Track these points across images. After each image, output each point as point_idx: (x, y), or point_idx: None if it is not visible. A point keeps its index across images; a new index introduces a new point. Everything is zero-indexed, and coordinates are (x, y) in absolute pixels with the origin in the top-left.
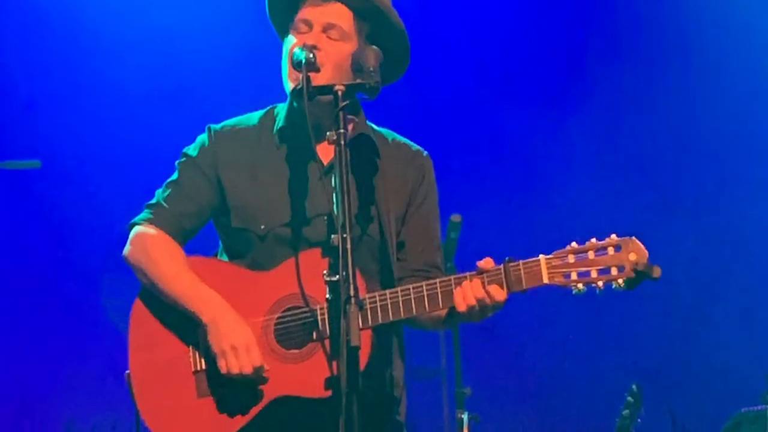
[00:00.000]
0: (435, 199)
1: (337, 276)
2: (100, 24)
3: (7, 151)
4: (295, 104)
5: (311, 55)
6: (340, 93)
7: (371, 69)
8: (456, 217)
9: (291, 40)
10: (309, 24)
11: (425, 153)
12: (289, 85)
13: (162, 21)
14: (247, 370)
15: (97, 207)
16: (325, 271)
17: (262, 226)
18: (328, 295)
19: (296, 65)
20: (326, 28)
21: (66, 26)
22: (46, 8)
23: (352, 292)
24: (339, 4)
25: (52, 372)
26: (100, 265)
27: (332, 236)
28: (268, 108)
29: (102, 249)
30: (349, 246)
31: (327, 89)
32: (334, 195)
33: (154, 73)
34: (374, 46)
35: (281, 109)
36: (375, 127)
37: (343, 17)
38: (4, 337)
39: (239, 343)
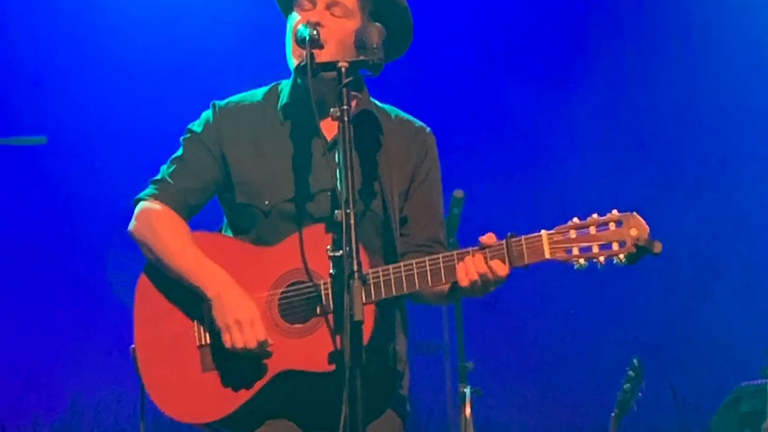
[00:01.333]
0: (438, 174)
1: (341, 251)
2: (107, 0)
3: (14, 128)
4: (299, 81)
5: (315, 32)
6: (343, 69)
7: (374, 46)
8: (458, 193)
9: (295, 18)
10: (313, 1)
11: (428, 129)
12: (293, 62)
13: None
14: (251, 344)
15: (103, 183)
16: (328, 247)
17: (266, 202)
18: (331, 270)
19: (300, 42)
20: (330, 5)
21: (72, 3)
22: None
23: (355, 267)
24: None
25: (58, 346)
26: (106, 240)
27: (336, 212)
28: (272, 84)
29: (107, 224)
30: (352, 221)
31: (330, 66)
32: (337, 171)
33: (160, 49)
34: (377, 23)
35: (285, 85)
36: (378, 103)
37: None
38: (11, 311)
39: (244, 318)
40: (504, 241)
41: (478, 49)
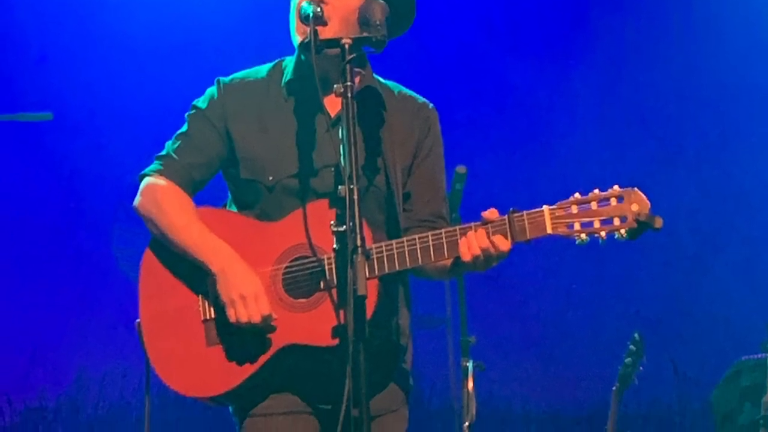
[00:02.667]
0: (440, 150)
1: (344, 226)
2: None
3: (20, 104)
4: (302, 57)
5: (318, 9)
6: (346, 46)
7: (377, 22)
8: (461, 169)
9: None
10: None
11: (431, 105)
12: (296, 39)
13: None
14: (256, 318)
15: (108, 158)
16: (332, 222)
17: (270, 177)
18: (335, 245)
19: (304, 19)
20: None
21: None
22: None
23: (359, 242)
24: None
25: (64, 321)
26: (111, 215)
27: (339, 187)
28: (277, 61)
29: (112, 200)
30: (356, 197)
31: (334, 42)
32: (341, 147)
33: (165, 26)
34: (380, 0)
35: (289, 62)
36: (381, 80)
37: None
38: (17, 287)
39: (248, 292)
40: (506, 217)
41: (480, 25)
